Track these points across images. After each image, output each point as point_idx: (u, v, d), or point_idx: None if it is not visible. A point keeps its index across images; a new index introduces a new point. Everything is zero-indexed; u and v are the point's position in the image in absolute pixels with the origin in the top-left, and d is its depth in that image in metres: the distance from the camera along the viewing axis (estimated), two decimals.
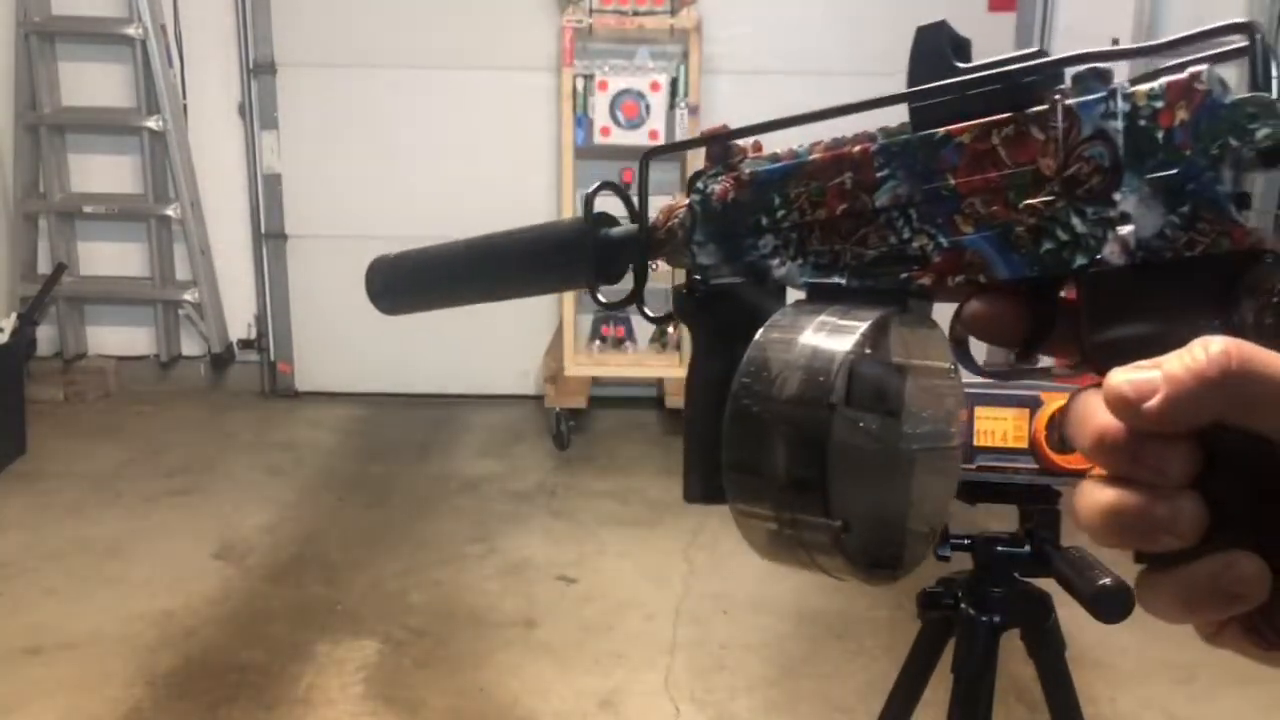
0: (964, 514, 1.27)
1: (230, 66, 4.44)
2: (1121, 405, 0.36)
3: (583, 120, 3.99)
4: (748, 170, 0.51)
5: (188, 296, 4.56)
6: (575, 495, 3.64)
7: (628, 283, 0.60)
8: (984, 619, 1.25)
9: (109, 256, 4.64)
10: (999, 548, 1.24)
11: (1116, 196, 0.39)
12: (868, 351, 0.43)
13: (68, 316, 4.60)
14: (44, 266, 4.51)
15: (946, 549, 1.24)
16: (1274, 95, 0.37)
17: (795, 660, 2.63)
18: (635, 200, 0.59)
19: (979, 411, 1.15)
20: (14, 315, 4.05)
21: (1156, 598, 0.39)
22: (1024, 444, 1.16)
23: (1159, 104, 0.38)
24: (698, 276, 0.54)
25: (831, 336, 0.43)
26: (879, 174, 0.46)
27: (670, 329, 4.38)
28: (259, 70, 4.43)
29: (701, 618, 2.82)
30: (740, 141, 0.53)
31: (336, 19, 4.39)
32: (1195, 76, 0.38)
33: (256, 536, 3.27)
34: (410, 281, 0.70)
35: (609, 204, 0.61)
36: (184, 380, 4.73)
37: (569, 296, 4.14)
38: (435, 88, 4.43)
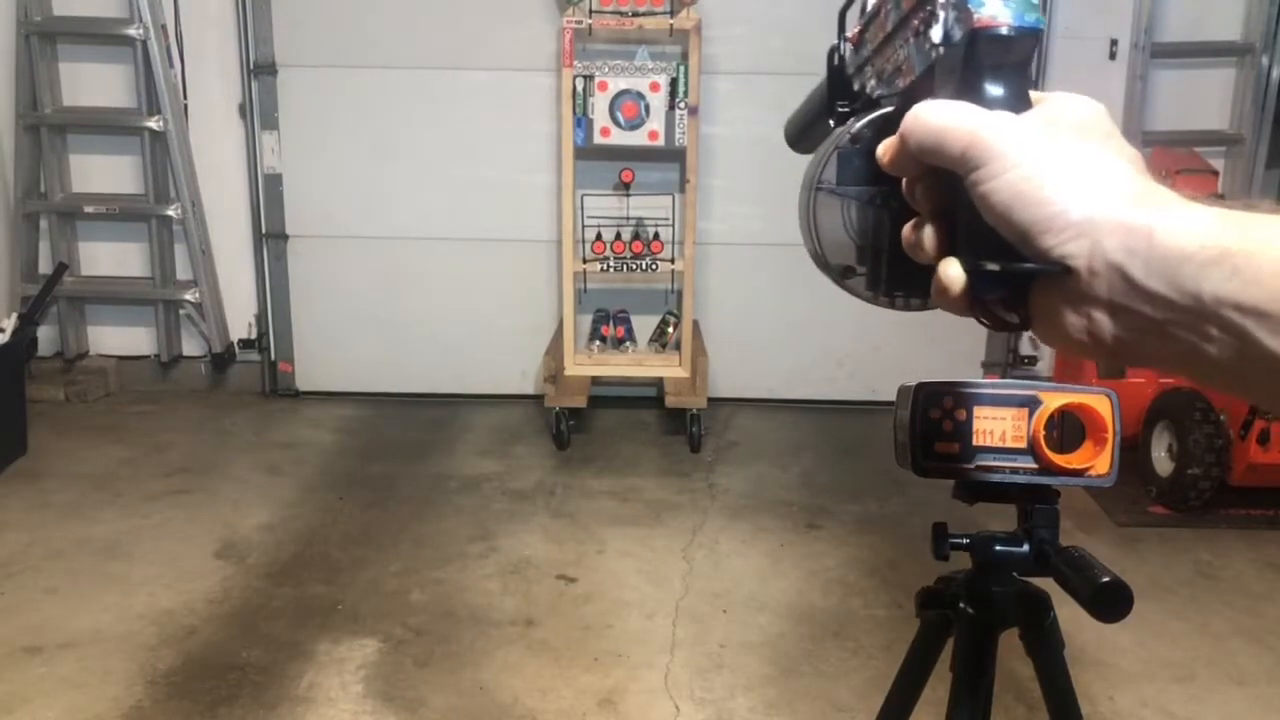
0: (963, 513, 1.27)
1: (230, 66, 4.44)
2: (889, 146, 0.56)
3: (582, 121, 3.99)
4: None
5: (188, 296, 4.56)
6: (575, 495, 3.64)
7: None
8: (983, 618, 1.26)
9: (110, 256, 4.65)
10: (998, 547, 1.24)
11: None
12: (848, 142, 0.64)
13: (69, 316, 4.61)
14: (45, 266, 4.52)
15: (946, 548, 1.25)
16: None
17: (794, 659, 2.64)
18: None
19: (978, 411, 1.15)
20: (15, 315, 4.06)
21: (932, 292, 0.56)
22: (1023, 443, 1.16)
23: None
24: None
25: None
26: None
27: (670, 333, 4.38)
28: (259, 70, 4.43)
29: (701, 617, 2.83)
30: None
31: (337, 19, 4.40)
32: None
33: (257, 536, 3.27)
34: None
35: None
36: (185, 380, 4.73)
37: (569, 298, 4.15)
38: (435, 88, 4.43)
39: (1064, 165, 0.50)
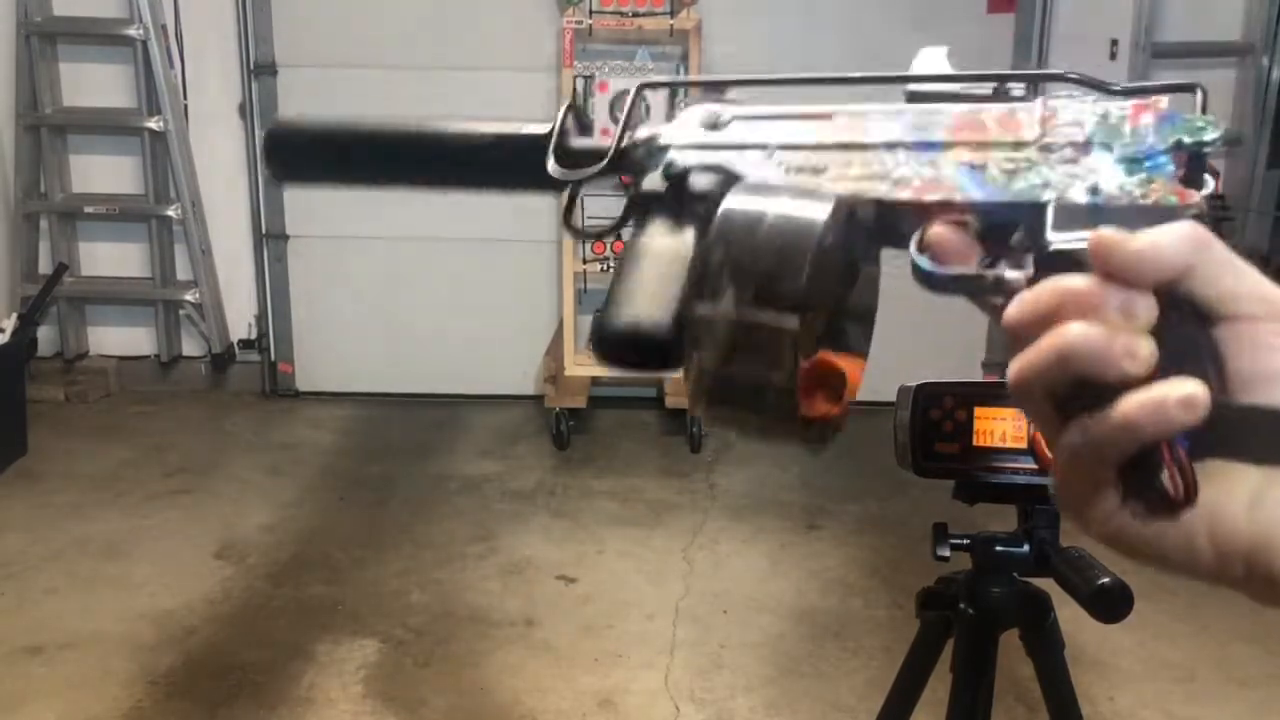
0: (963, 514, 1.27)
1: (231, 67, 4.44)
2: (1108, 246, 0.42)
3: None
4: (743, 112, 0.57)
5: (188, 297, 4.56)
6: (575, 495, 3.64)
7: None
8: (983, 619, 1.26)
9: (110, 257, 4.64)
10: (998, 547, 1.24)
11: (1084, 161, 0.48)
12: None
13: (69, 317, 4.60)
14: (45, 267, 4.51)
15: (946, 549, 1.25)
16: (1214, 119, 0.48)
17: (795, 660, 2.63)
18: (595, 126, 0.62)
19: (978, 411, 1.15)
20: (15, 315, 4.06)
21: (1078, 438, 0.42)
22: (1023, 444, 1.16)
23: (1126, 111, 0.48)
24: (669, 179, 0.57)
25: (823, 200, 0.49)
26: (872, 122, 0.53)
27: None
28: (260, 71, 4.43)
29: (701, 617, 2.83)
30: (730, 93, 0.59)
31: (337, 19, 4.40)
32: (1157, 100, 0.49)
33: (257, 536, 3.27)
34: (345, 137, 0.65)
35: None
36: (185, 380, 4.73)
37: (569, 297, 4.15)
38: (435, 88, 4.43)
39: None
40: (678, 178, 0.56)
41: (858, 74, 0.56)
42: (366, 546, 3.20)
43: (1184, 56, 4.42)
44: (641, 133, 0.59)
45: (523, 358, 4.65)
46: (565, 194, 0.62)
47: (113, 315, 4.72)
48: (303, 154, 0.66)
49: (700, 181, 0.55)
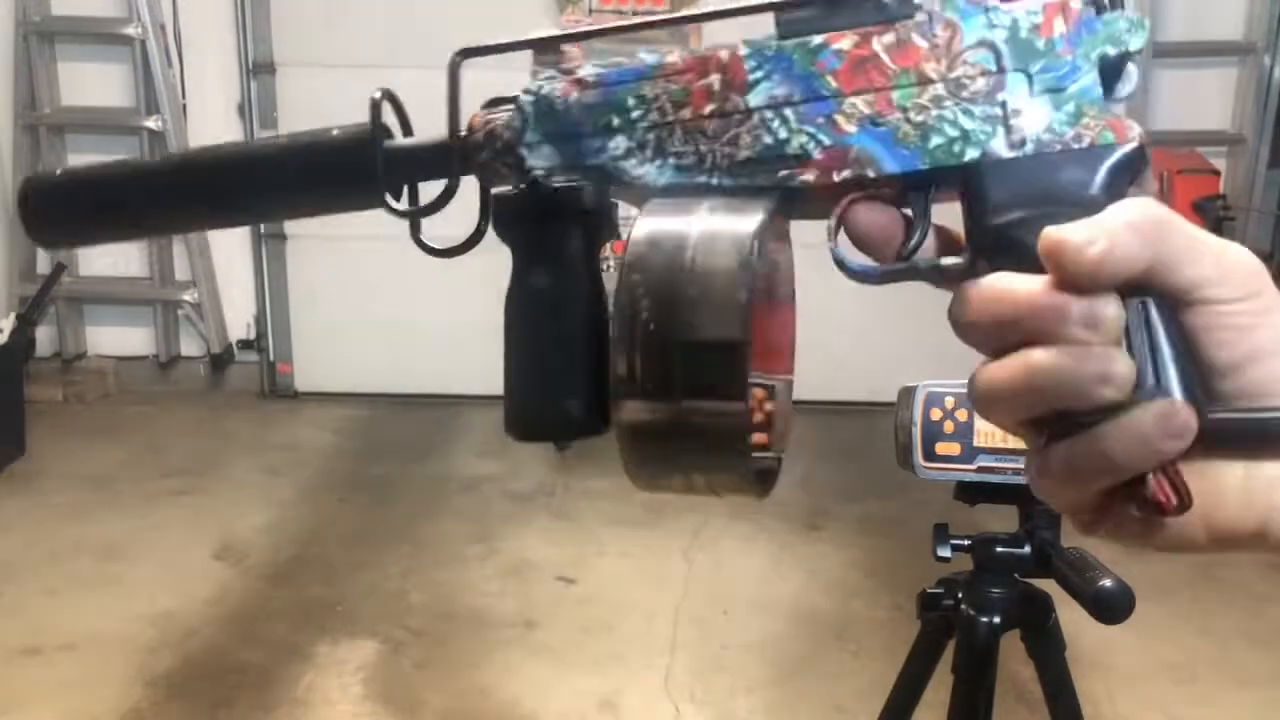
0: (964, 514, 1.27)
1: (230, 66, 4.44)
2: (1062, 251, 0.37)
3: None
4: (591, 73, 0.49)
5: (187, 297, 4.56)
6: (575, 495, 3.63)
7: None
8: (984, 619, 1.25)
9: (108, 256, 4.63)
10: (999, 548, 1.24)
11: (1001, 96, 0.42)
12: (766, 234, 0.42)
13: (67, 317, 4.60)
14: (43, 267, 4.51)
15: (947, 549, 1.24)
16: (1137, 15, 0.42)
17: (795, 661, 2.63)
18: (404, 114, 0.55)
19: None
20: (13, 315, 4.05)
21: (1061, 469, 0.39)
22: (1024, 445, 1.16)
23: (1037, 19, 0.42)
24: (525, 184, 0.49)
25: (733, 217, 0.43)
26: (752, 75, 0.46)
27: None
28: (258, 70, 4.43)
29: (701, 618, 2.82)
30: (569, 48, 0.51)
31: (336, 19, 4.39)
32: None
33: (256, 537, 3.26)
34: (111, 192, 0.55)
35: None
36: (183, 380, 4.72)
37: None
38: (435, 88, 4.40)
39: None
40: (540, 188, 0.48)
41: (725, 8, 0.48)
42: (365, 547, 3.20)
43: (1185, 56, 4.42)
44: (481, 119, 0.52)
45: None
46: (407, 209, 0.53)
47: (111, 315, 4.72)
48: (65, 209, 0.55)
49: (571, 198, 0.47)
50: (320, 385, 4.71)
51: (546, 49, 0.51)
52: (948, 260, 0.43)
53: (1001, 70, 0.42)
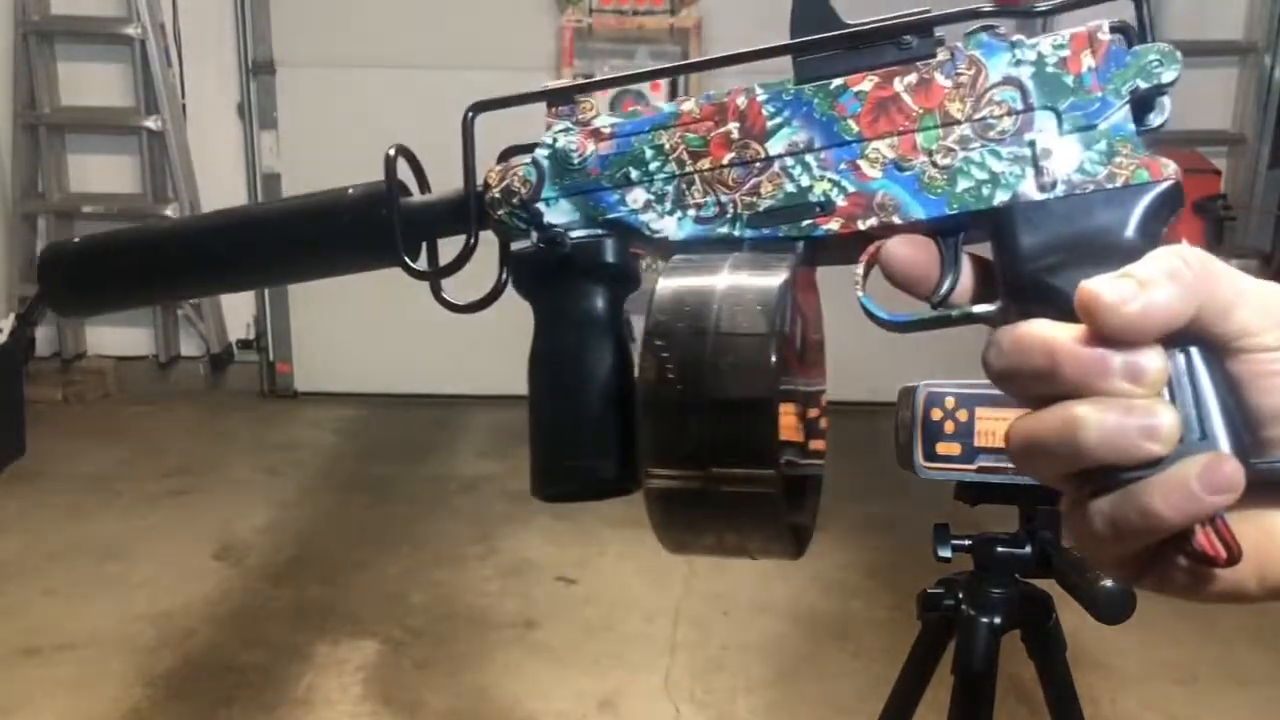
0: (965, 514, 1.26)
1: (229, 66, 4.44)
2: (1100, 309, 0.36)
3: None
4: (607, 123, 0.48)
5: None
6: None
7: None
8: (984, 620, 1.25)
9: None
10: (1000, 548, 1.24)
11: (1030, 136, 0.41)
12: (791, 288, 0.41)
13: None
14: None
15: (947, 550, 1.24)
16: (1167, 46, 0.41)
17: (795, 661, 2.63)
18: (418, 173, 0.54)
19: (979, 412, 1.14)
20: (13, 316, 4.05)
21: (1104, 526, 0.38)
22: None
23: (1064, 53, 0.41)
24: (544, 240, 0.48)
25: (757, 275, 0.41)
26: (771, 121, 0.44)
27: None
28: (258, 70, 4.42)
29: (701, 618, 2.82)
30: (583, 99, 0.49)
31: (336, 19, 4.39)
32: (1098, 28, 0.41)
33: (256, 537, 3.26)
34: (133, 266, 0.54)
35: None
36: (183, 381, 4.72)
37: None
38: (435, 88, 4.42)
39: None
40: (560, 244, 0.47)
41: (739, 52, 0.46)
42: (365, 547, 3.19)
43: (1185, 56, 4.39)
44: (497, 175, 0.51)
45: (523, 358, 4.63)
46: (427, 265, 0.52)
47: (110, 315, 4.70)
48: (88, 278, 0.54)
49: (591, 254, 0.46)
50: (320, 385, 4.71)
51: (560, 100, 0.49)
52: (980, 308, 0.43)
53: (1029, 108, 0.41)
